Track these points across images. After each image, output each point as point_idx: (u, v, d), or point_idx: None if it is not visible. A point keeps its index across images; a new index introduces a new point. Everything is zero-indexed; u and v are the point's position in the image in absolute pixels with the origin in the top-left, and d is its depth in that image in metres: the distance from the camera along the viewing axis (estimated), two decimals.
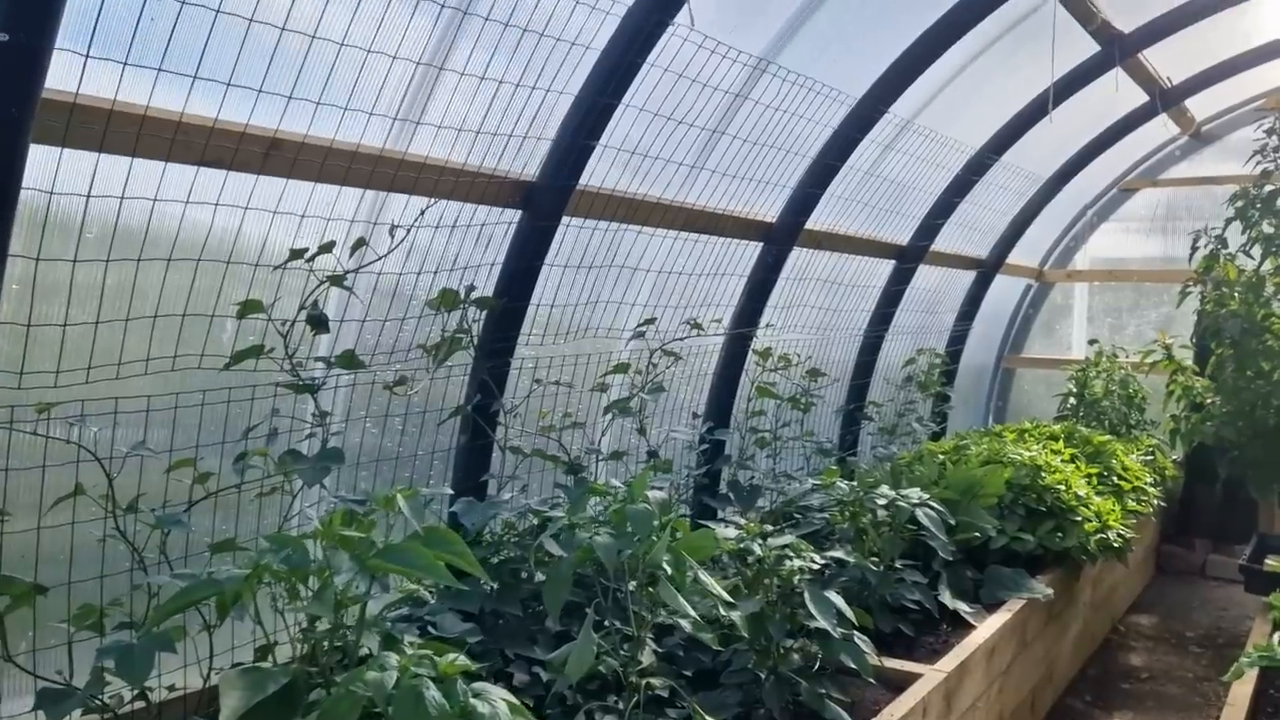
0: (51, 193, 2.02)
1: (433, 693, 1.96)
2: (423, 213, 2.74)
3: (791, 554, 3.49)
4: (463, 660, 2.11)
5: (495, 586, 3.43)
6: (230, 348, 2.52)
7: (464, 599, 3.28)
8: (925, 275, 6.19)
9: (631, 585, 2.96)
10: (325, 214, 2.58)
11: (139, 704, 2.49)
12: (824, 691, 3.39)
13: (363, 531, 2.20)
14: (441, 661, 2.09)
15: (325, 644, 2.19)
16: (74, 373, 2.22)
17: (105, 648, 2.24)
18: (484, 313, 3.33)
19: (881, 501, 4.06)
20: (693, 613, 2.75)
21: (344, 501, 2.76)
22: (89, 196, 2.08)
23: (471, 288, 3.19)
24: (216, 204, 2.31)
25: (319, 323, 2.68)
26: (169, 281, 2.38)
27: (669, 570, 2.70)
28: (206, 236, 2.36)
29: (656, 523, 2.89)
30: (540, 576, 3.31)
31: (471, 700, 2.00)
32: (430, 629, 3.04)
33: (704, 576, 2.89)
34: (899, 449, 6.05)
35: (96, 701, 2.35)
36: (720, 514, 4.72)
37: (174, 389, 2.49)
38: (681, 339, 4.05)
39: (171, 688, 2.57)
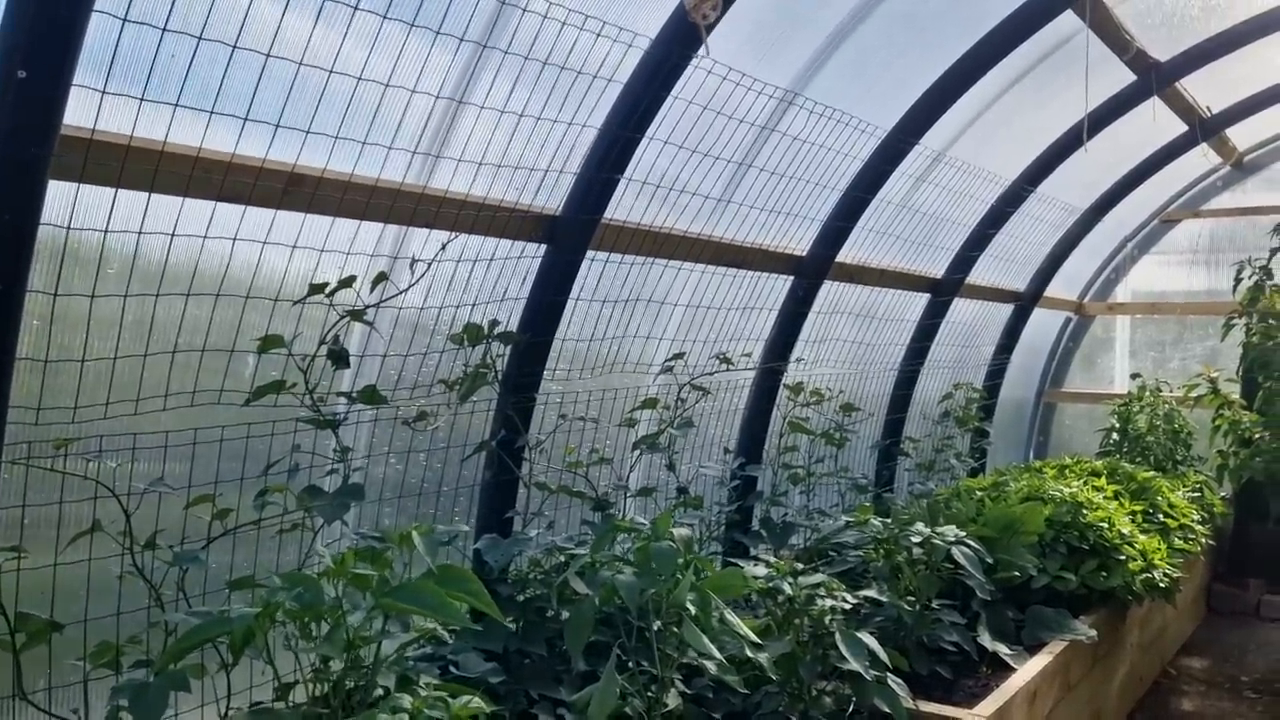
0: (69, 228, 2.02)
1: None
2: (444, 246, 2.72)
3: (823, 593, 3.40)
4: (477, 703, 2.06)
5: (520, 625, 3.38)
6: (250, 383, 2.51)
7: (487, 638, 3.23)
8: (961, 308, 6.10)
9: (656, 625, 2.89)
10: (345, 248, 2.57)
11: None
12: None
13: (379, 569, 2.16)
14: (455, 704, 2.04)
15: (339, 684, 2.14)
16: (92, 408, 2.21)
17: (119, 686, 2.21)
18: (508, 348, 3.30)
19: (916, 539, 3.95)
20: (718, 654, 2.68)
21: (364, 538, 2.73)
22: (106, 231, 2.08)
23: (495, 322, 3.17)
24: (235, 238, 2.31)
25: (340, 358, 2.67)
26: (188, 316, 2.37)
27: (693, 610, 2.63)
28: (225, 271, 2.35)
29: (681, 560, 2.83)
30: (566, 614, 3.25)
31: None
32: (452, 668, 2.99)
33: (731, 616, 2.81)
34: (936, 485, 5.92)
35: None
36: (752, 551, 4.63)
37: (193, 424, 2.48)
38: (711, 374, 3.99)
39: None
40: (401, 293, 2.70)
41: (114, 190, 2.06)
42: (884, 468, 6.00)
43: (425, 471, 3.27)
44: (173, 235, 2.20)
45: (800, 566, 3.58)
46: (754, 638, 2.85)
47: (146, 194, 2.11)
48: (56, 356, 2.15)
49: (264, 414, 2.61)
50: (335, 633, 2.00)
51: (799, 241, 4.40)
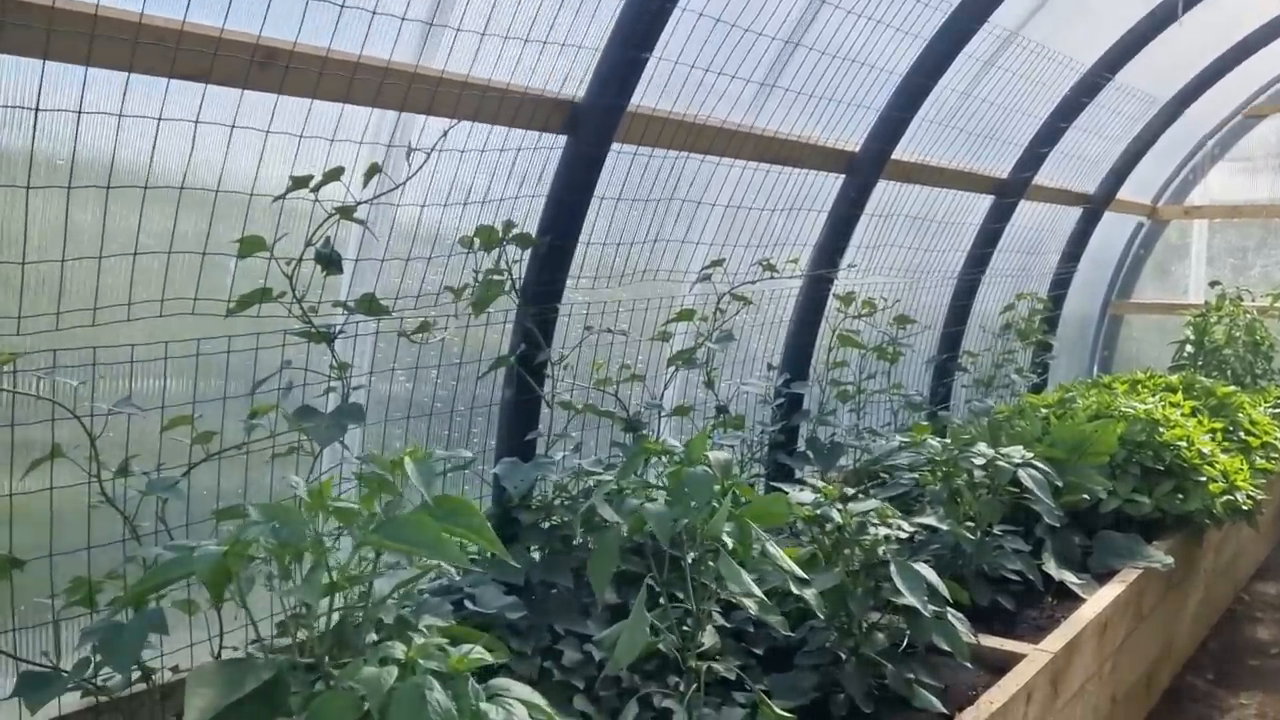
0: None
1: (437, 694, 1.64)
2: (445, 134, 2.39)
3: (876, 520, 3.10)
4: (478, 653, 1.79)
5: (544, 553, 3.13)
6: (229, 293, 2.22)
7: (508, 568, 2.97)
8: (1026, 212, 5.64)
9: (691, 556, 2.61)
10: (329, 136, 2.24)
11: (140, 686, 2.24)
12: (912, 676, 3.00)
13: (365, 501, 1.88)
14: (455, 655, 1.77)
15: (325, 630, 1.89)
16: (40, 318, 1.93)
17: (91, 628, 1.98)
18: (526, 253, 2.98)
19: (979, 461, 3.62)
20: (758, 591, 2.39)
21: (367, 463, 2.46)
22: (38, 110, 1.78)
23: (510, 224, 2.84)
24: (196, 120, 1.99)
25: (330, 262, 2.36)
26: (150, 221, 2.07)
27: (730, 543, 2.33)
28: (188, 164, 2.04)
29: (717, 488, 2.53)
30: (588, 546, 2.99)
31: (483, 704, 1.67)
32: (468, 603, 2.74)
33: (773, 549, 2.52)
34: (996, 402, 5.56)
35: (90, 684, 2.11)
36: (798, 473, 4.33)
37: (163, 338, 2.20)
38: (753, 282, 3.64)
39: (175, 669, 2.31)
40: (398, 186, 2.38)
41: (41, 63, 1.74)
42: (940, 384, 5.63)
43: (438, 390, 2.98)
44: (120, 115, 1.89)
45: (850, 491, 3.27)
46: (799, 572, 2.56)
47: (82, 68, 1.79)
48: None
49: (247, 326, 2.32)
50: (314, 574, 1.73)
51: (852, 134, 3.99)
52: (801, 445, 4.37)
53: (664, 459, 2.83)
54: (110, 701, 2.17)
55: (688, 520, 2.41)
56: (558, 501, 3.21)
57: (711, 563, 2.49)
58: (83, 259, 1.98)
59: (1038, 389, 6.25)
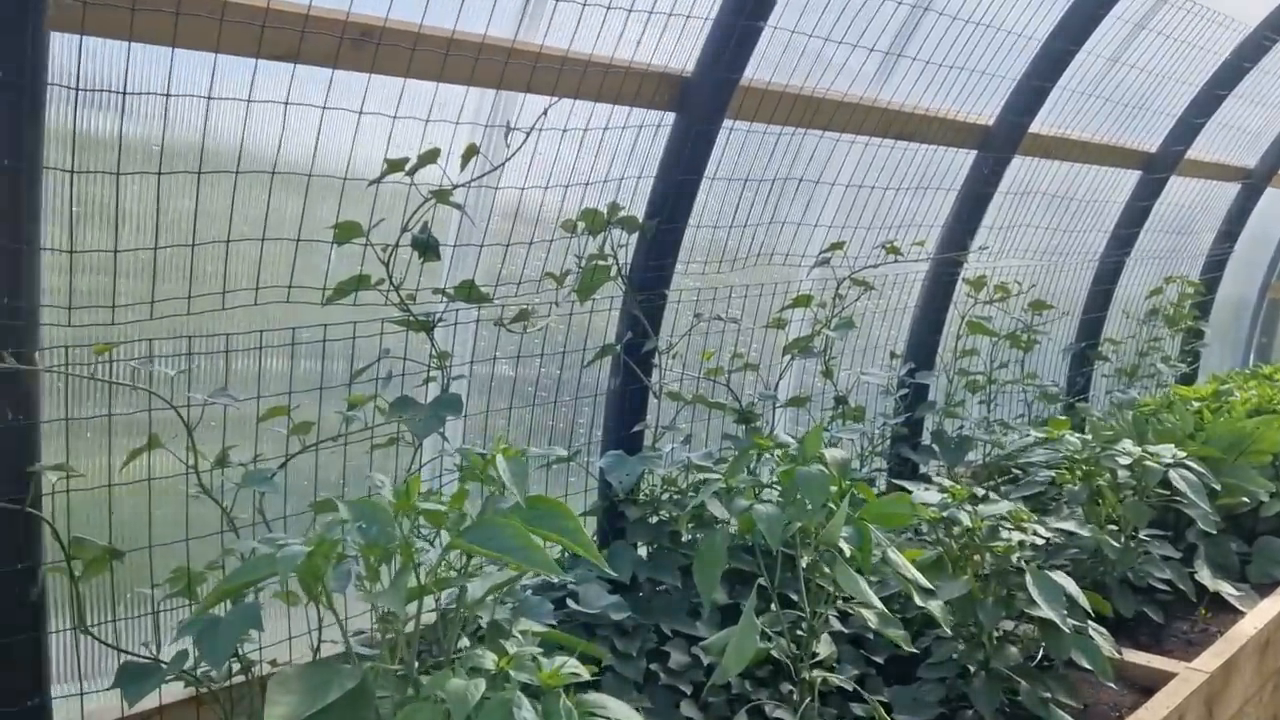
0: (78, 89, 1.68)
1: (526, 712, 1.53)
2: (545, 112, 2.27)
3: (1009, 524, 2.86)
4: (573, 666, 1.67)
5: (651, 550, 3.00)
6: (324, 281, 2.16)
7: (614, 563, 2.86)
8: (1176, 189, 5.21)
9: (805, 560, 2.44)
10: (423, 115, 2.15)
11: (240, 678, 2.21)
12: (1048, 694, 2.76)
13: (455, 502, 1.78)
14: (547, 669, 1.66)
15: (411, 634, 1.80)
16: (134, 307, 1.89)
17: (187, 623, 1.95)
18: (633, 237, 2.85)
19: (1125, 460, 3.32)
20: (878, 603, 2.21)
21: (467, 456, 2.37)
22: (124, 93, 1.73)
23: (616, 206, 2.71)
24: (286, 102, 1.92)
25: (427, 247, 2.28)
26: (242, 206, 2.02)
27: (848, 550, 2.15)
28: (279, 143, 1.97)
29: (834, 488, 2.35)
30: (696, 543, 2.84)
31: None
32: (571, 601, 2.64)
33: (894, 555, 2.33)
34: (1140, 394, 5.17)
35: (190, 676, 2.08)
36: (922, 468, 4.10)
37: (259, 326, 2.15)
38: (875, 266, 3.42)
39: (274, 662, 2.28)
40: (497, 168, 2.28)
41: (126, 45, 1.69)
42: (1078, 374, 5.27)
43: (542, 379, 2.88)
44: (209, 97, 1.83)
45: (980, 491, 3.04)
46: (924, 581, 2.36)
47: (168, 50, 1.73)
48: (86, 246, 1.84)
49: (344, 315, 2.26)
50: (400, 579, 1.64)
51: (986, 106, 3.71)
52: (927, 439, 4.14)
53: (776, 454, 2.66)
54: (210, 693, 2.14)
55: (801, 523, 2.24)
56: (665, 496, 3.08)
57: (828, 568, 2.32)
58: (177, 247, 1.94)
59: (1187, 379, 5.80)
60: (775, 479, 2.49)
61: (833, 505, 2.33)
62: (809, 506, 2.26)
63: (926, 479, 4.07)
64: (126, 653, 2.08)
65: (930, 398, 4.13)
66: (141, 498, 2.10)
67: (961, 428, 4.19)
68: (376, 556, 1.73)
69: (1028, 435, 3.93)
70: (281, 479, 2.25)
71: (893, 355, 4.13)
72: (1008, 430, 4.26)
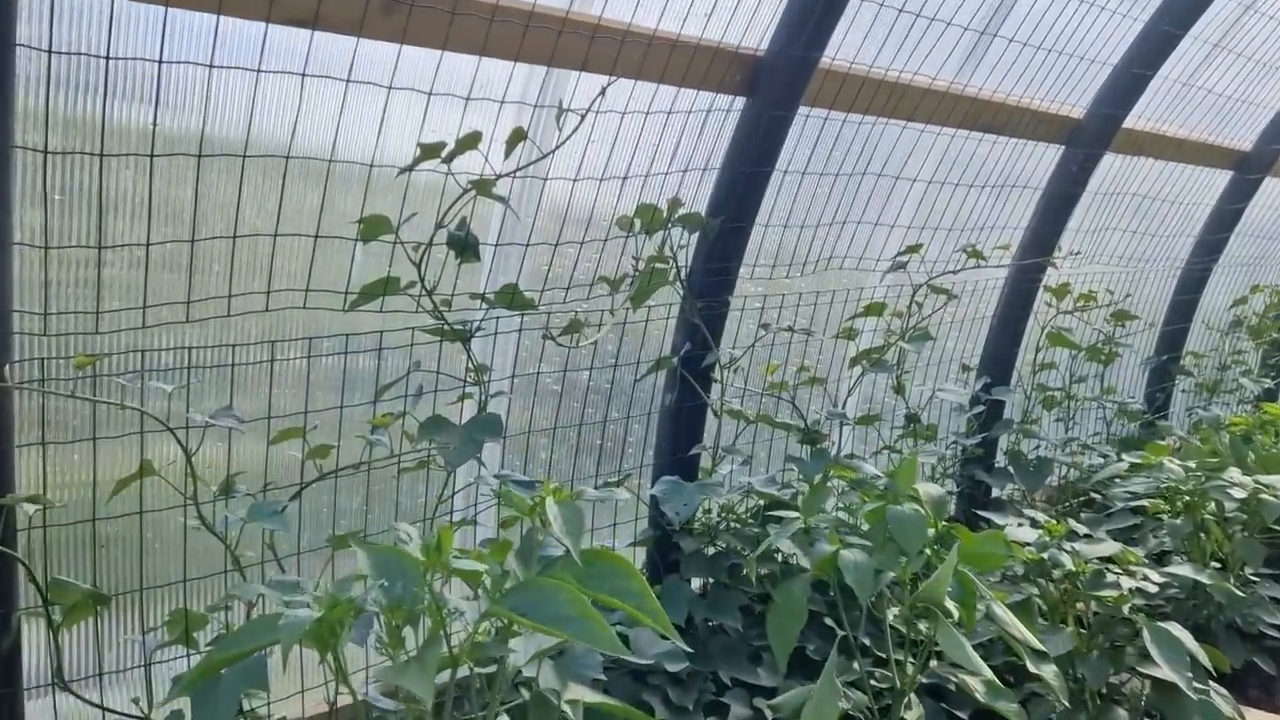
0: (50, 51, 1.39)
1: None
2: (603, 91, 1.96)
3: (1116, 567, 2.52)
4: None
5: (708, 587, 2.69)
6: (347, 283, 1.86)
7: (668, 603, 2.56)
8: (1269, 191, 4.82)
9: (892, 612, 2.12)
10: (463, 93, 1.85)
11: None
12: None
13: (497, 554, 1.48)
14: None
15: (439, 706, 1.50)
16: (121, 313, 1.61)
17: (183, 684, 1.67)
18: (694, 236, 2.54)
19: (1238, 493, 2.96)
20: (986, 671, 1.88)
21: (510, 483, 2.08)
22: (108, 58, 1.44)
23: (677, 202, 2.40)
24: (303, 74, 1.62)
25: (464, 246, 1.98)
26: (251, 197, 1.73)
27: (956, 613, 1.83)
28: (293, 129, 1.68)
29: (931, 531, 2.03)
30: (763, 574, 2.53)
31: None
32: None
33: (1001, 612, 2.00)
34: (1222, 411, 4.79)
35: None
36: (995, 491, 3.75)
37: (270, 336, 1.86)
38: (955, 271, 3.09)
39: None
40: (546, 155, 1.97)
41: (109, 4, 1.40)
42: (1157, 389, 4.89)
43: (589, 395, 2.58)
44: (210, 66, 1.54)
45: (1082, 530, 2.69)
46: (1035, 643, 2.03)
47: (161, 8, 1.44)
48: (65, 242, 1.55)
49: (370, 323, 1.97)
50: (428, 652, 1.34)
51: (1080, 97, 3.36)
52: (1001, 460, 3.80)
53: (854, 486, 2.34)
54: None
55: (894, 574, 1.92)
56: (724, 525, 2.77)
57: (923, 624, 2.00)
58: (173, 243, 1.65)
59: (1270, 395, 5.40)
60: (857, 513, 2.18)
61: (928, 550, 2.01)
62: (903, 554, 1.94)
63: (1000, 504, 3.75)
64: (113, 712, 1.80)
65: (1005, 415, 3.78)
66: (133, 532, 1.81)
67: (1038, 447, 3.85)
68: (401, 619, 1.44)
69: (1119, 463, 3.58)
70: (296, 509, 1.97)
71: (965, 368, 3.79)
72: (1088, 451, 3.92)
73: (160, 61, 1.48)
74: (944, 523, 2.04)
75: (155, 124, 1.51)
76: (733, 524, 2.77)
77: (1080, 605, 2.47)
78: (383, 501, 2.25)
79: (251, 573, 1.94)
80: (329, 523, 2.13)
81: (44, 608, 1.71)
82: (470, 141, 1.86)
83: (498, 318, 2.18)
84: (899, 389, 3.22)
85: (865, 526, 2.06)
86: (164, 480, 1.76)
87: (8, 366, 1.55)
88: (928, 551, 1.98)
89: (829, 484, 2.32)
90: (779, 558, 2.59)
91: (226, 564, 1.86)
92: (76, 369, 1.61)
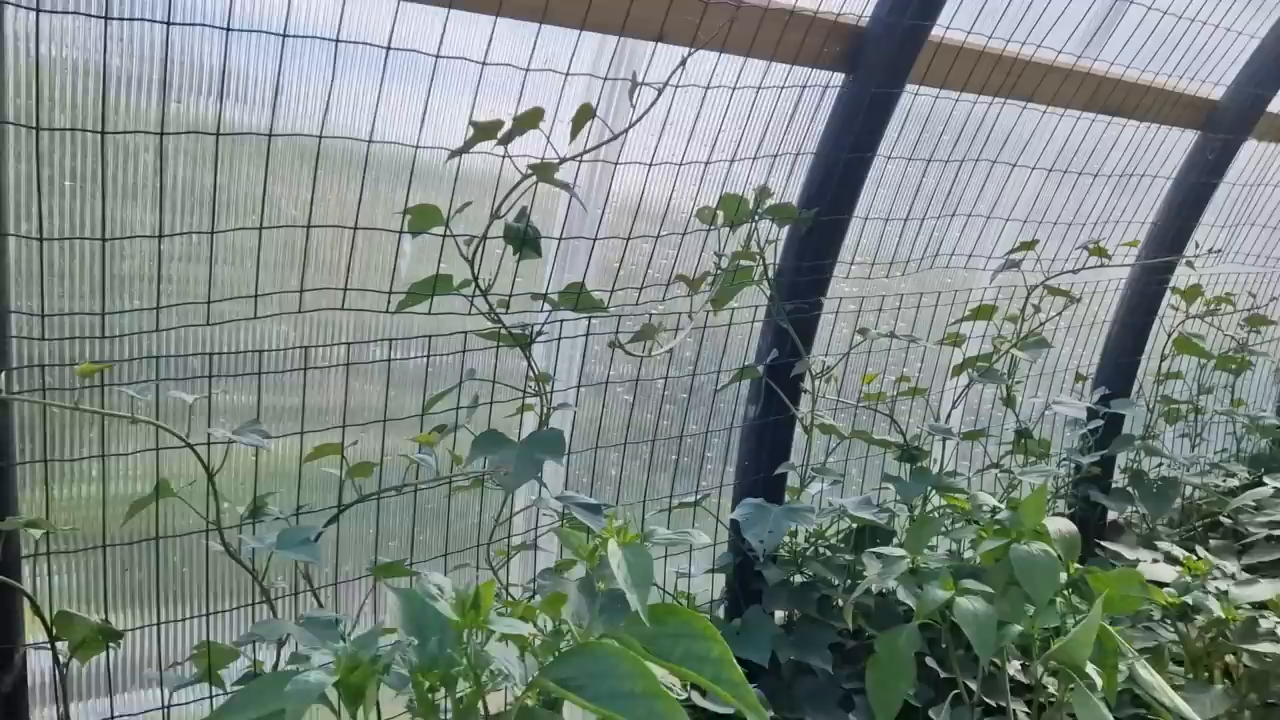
0: (39, 10, 1.19)
1: None
2: (683, 62, 1.70)
3: (1272, 615, 2.18)
4: None
5: (793, 620, 2.42)
6: (389, 281, 1.65)
7: (748, 641, 2.30)
8: None
9: (1014, 666, 1.82)
10: (521, 63, 1.61)
11: None
12: None
13: (552, 604, 1.24)
14: None
15: None
16: (132, 314, 1.42)
17: None
18: (784, 230, 2.27)
19: None
20: None
21: (574, 507, 1.84)
22: (107, 19, 1.23)
23: (766, 191, 2.14)
24: (336, 40, 1.40)
25: (524, 241, 1.74)
26: (282, 185, 1.52)
27: (1099, 680, 1.53)
28: (326, 103, 1.46)
29: (1063, 575, 1.73)
30: (862, 617, 2.25)
31: None
32: (695, 694, 2.08)
33: (1146, 674, 1.69)
34: None
35: None
36: (1114, 515, 3.39)
37: (303, 341, 1.65)
38: (1075, 271, 2.76)
39: None
40: (617, 136, 1.73)
41: None
42: None
43: (665, 406, 2.33)
44: (228, 30, 1.33)
45: (1229, 567, 2.35)
46: (1189, 712, 1.71)
47: None
48: (63, 233, 1.36)
49: (418, 326, 1.75)
50: None
51: (1220, 75, 2.99)
52: (1119, 479, 3.44)
53: (963, 516, 2.05)
54: None
55: (1020, 628, 1.63)
56: (811, 551, 2.49)
57: (1051, 682, 1.70)
58: (190, 234, 1.45)
59: None
60: (970, 550, 1.89)
61: (1057, 598, 1.71)
62: (1029, 602, 1.65)
63: (1118, 529, 3.40)
64: None
65: (1125, 429, 3.42)
66: (152, 558, 1.62)
67: (1161, 466, 3.48)
68: (434, 680, 1.20)
69: (1244, 478, 3.21)
70: (334, 533, 1.76)
71: (1079, 377, 3.44)
72: (1218, 472, 3.53)
73: (169, 24, 1.27)
74: (1077, 566, 1.73)
75: (165, 95, 1.30)
76: (822, 550, 2.50)
77: (1230, 659, 2.14)
78: (435, 522, 2.03)
79: (284, 604, 1.74)
80: (375, 545, 1.92)
81: (50, 644, 1.53)
82: (531, 119, 1.63)
83: (562, 320, 1.94)
84: (1009, 401, 2.90)
85: (976, 558, 1.76)
86: (183, 502, 1.57)
87: (2, 374, 1.36)
88: (1056, 599, 1.68)
89: (932, 510, 2.04)
90: (873, 587, 2.32)
91: (254, 596, 1.66)
92: (80, 377, 1.41)
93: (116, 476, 1.56)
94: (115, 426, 1.52)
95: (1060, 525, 1.77)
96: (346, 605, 1.89)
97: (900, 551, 1.84)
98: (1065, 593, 1.73)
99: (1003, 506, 1.91)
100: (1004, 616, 1.63)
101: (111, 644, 1.56)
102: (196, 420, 1.54)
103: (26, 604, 1.50)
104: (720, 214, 2.08)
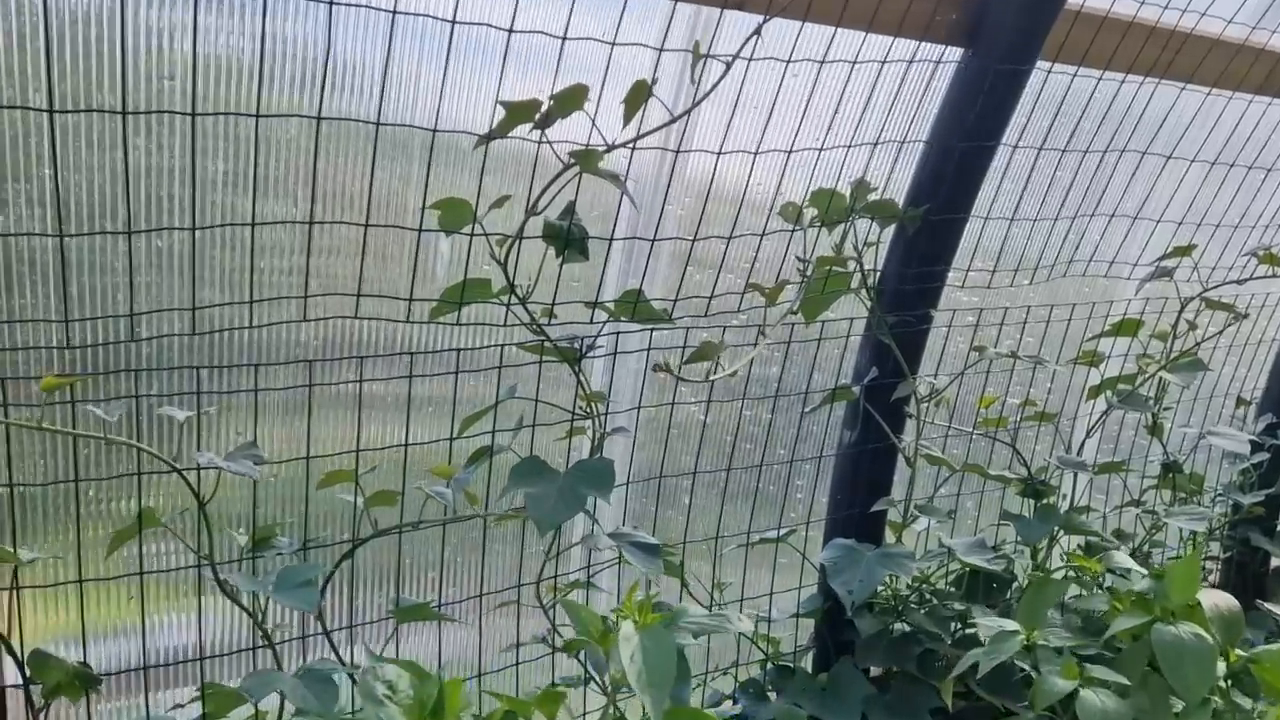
0: None
1: None
2: (758, 30, 1.43)
3: None
4: None
5: (888, 676, 2.12)
6: (410, 287, 1.43)
7: (837, 699, 2.01)
8: None
9: None
10: (556, 30, 1.36)
11: None
12: None
13: (548, 707, 0.98)
14: None
15: None
16: (98, 321, 1.23)
17: None
18: (887, 231, 1.96)
19: None
20: None
21: (626, 547, 1.61)
22: None
23: (865, 184, 1.84)
24: (332, 1, 1.18)
25: (569, 240, 1.50)
26: (277, 171, 1.32)
27: None
28: (326, 67, 1.24)
29: (1221, 665, 1.38)
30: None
31: None
32: None
33: None
34: None
35: None
36: (1277, 561, 2.95)
37: (308, 353, 1.45)
38: (1240, 281, 2.35)
39: None
40: (680, 116, 1.46)
41: None
42: None
43: (744, 427, 2.05)
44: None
45: None
46: None
47: None
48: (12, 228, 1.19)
49: (445, 338, 1.52)
50: None
51: None
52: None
53: (1084, 569, 1.71)
54: None
55: None
56: (913, 598, 2.18)
57: None
58: (165, 230, 1.25)
59: None
60: (1104, 622, 1.56)
61: (1215, 691, 1.37)
62: (1176, 699, 1.31)
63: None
64: None
65: None
66: (138, 593, 1.45)
67: None
68: None
69: None
70: (352, 564, 1.56)
71: (1241, 403, 3.00)
72: None
73: None
74: (1239, 653, 1.39)
75: (124, 63, 1.11)
76: (927, 595, 2.18)
77: None
78: (474, 552, 1.81)
79: (293, 648, 1.54)
80: (398, 580, 1.71)
81: (23, 687, 1.37)
82: (574, 99, 1.38)
83: (618, 333, 1.69)
84: (1155, 430, 2.51)
85: (1119, 646, 1.43)
86: (173, 534, 1.39)
87: None
88: (1216, 699, 1.34)
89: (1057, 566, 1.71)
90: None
91: (254, 640, 1.47)
92: (44, 392, 1.23)
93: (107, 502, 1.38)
94: (103, 451, 1.35)
95: (1218, 600, 1.43)
96: (370, 644, 1.69)
97: (1012, 625, 1.52)
98: (1223, 684, 1.38)
99: (1144, 572, 1.56)
100: (1142, 716, 1.30)
101: (90, 690, 1.39)
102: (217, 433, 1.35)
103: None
104: (809, 212, 1.80)
